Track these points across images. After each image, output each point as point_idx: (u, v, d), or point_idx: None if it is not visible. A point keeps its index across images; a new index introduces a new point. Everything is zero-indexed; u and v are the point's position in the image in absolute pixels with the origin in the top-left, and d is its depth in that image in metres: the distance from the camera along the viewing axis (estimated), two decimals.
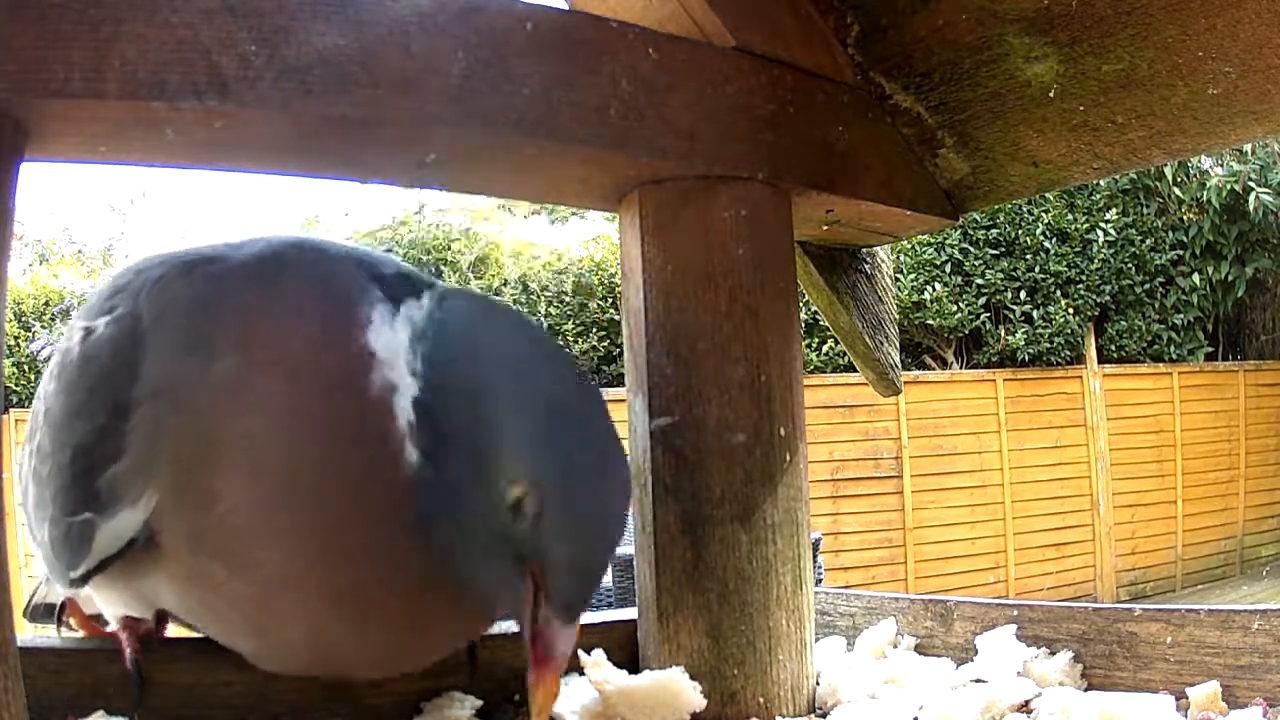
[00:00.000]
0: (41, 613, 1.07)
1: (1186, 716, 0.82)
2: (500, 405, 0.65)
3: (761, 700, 0.95)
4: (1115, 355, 8.30)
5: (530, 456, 0.64)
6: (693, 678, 0.90)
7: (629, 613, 1.02)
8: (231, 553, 0.69)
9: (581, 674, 0.92)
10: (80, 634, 0.92)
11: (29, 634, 0.82)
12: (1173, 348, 8.55)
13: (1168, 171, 8.21)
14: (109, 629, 0.83)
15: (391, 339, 0.69)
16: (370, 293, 0.72)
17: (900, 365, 1.33)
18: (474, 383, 0.66)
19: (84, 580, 0.76)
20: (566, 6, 1.09)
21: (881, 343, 1.28)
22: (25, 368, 6.61)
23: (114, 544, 0.71)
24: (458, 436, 0.65)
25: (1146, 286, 8.43)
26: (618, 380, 6.78)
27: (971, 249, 7.81)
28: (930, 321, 7.60)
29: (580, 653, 0.92)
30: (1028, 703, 0.88)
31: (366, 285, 0.73)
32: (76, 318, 0.77)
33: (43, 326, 6.80)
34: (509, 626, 0.94)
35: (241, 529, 0.68)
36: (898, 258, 7.36)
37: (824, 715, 0.95)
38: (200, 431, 0.68)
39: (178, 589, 0.74)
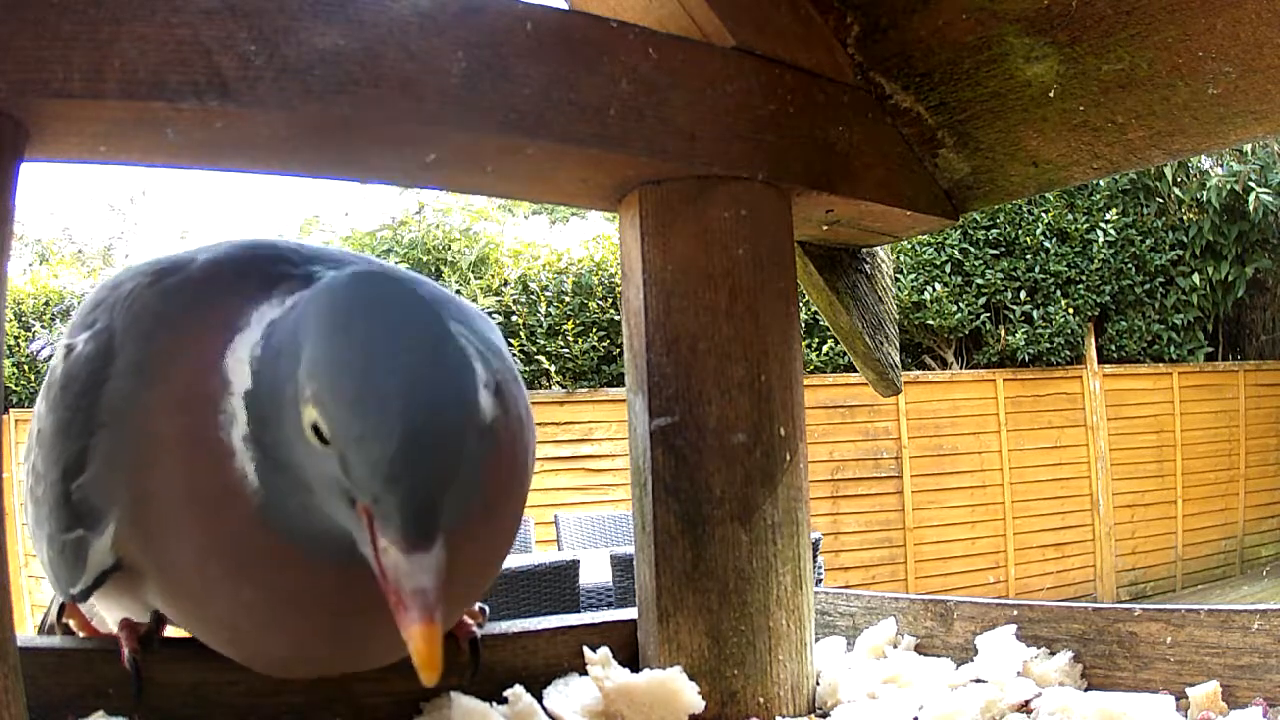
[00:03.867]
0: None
1: (1186, 716, 0.82)
2: (300, 352, 0.59)
3: (761, 700, 0.95)
4: (1115, 355, 8.30)
5: (305, 372, 0.57)
6: (693, 678, 0.90)
7: (629, 613, 1.02)
8: (187, 576, 0.69)
9: (584, 673, 0.93)
10: (80, 634, 0.92)
11: (29, 634, 0.82)
12: (1173, 348, 8.55)
13: (1168, 171, 8.21)
14: (109, 630, 0.83)
15: (247, 341, 0.66)
16: (253, 298, 0.68)
17: (900, 365, 1.33)
18: (289, 345, 0.61)
19: (85, 595, 0.77)
20: (566, 6, 1.09)
21: (881, 343, 1.28)
22: (25, 368, 6.61)
23: (107, 559, 0.72)
24: (277, 405, 0.60)
25: (1146, 286, 8.43)
26: (618, 380, 6.78)
27: (971, 249, 7.81)
28: (930, 321, 7.60)
29: (585, 650, 0.92)
30: (1028, 703, 0.88)
31: (255, 290, 0.69)
32: (62, 335, 0.78)
33: (43, 326, 6.80)
34: (508, 626, 0.94)
35: (179, 554, 0.68)
36: (898, 258, 7.36)
37: (824, 715, 0.95)
38: (137, 455, 0.68)
39: (166, 604, 0.74)
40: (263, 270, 0.73)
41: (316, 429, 0.57)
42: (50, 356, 6.56)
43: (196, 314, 0.70)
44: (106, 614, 0.82)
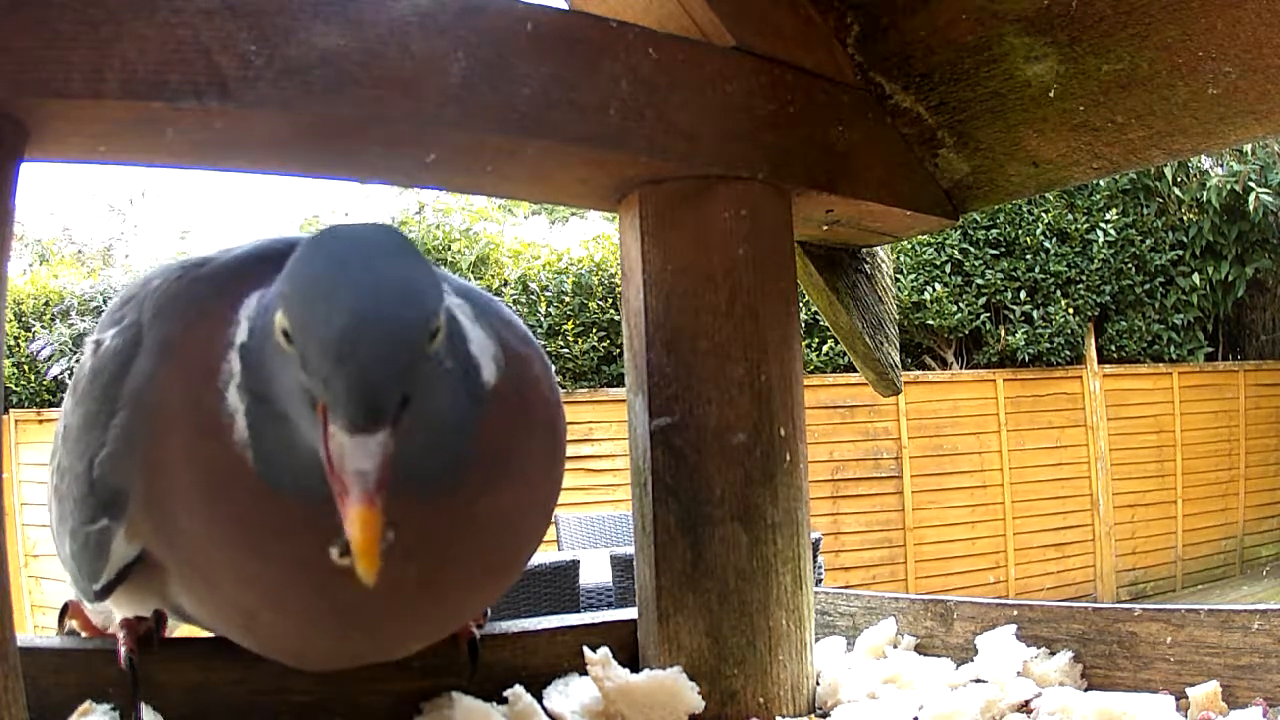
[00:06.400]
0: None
1: (1186, 716, 0.82)
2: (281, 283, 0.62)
3: (761, 700, 0.95)
4: (1115, 355, 8.30)
5: (277, 288, 0.61)
6: (693, 678, 0.90)
7: (629, 613, 1.02)
8: (196, 553, 0.69)
9: (584, 673, 0.93)
10: (81, 634, 0.92)
11: (29, 634, 0.82)
12: (1173, 348, 8.55)
13: (1168, 171, 8.21)
14: (109, 629, 0.83)
15: (249, 305, 0.67)
16: (266, 277, 0.68)
17: (900, 365, 1.33)
18: (275, 287, 0.63)
19: (107, 591, 0.76)
20: (566, 6, 1.09)
21: (881, 343, 1.28)
22: (25, 368, 6.61)
23: (129, 550, 0.72)
24: (262, 340, 0.63)
25: (1146, 286, 8.43)
26: (618, 380, 6.78)
27: (971, 249, 7.81)
28: (930, 321, 7.59)
29: (585, 650, 0.92)
30: (1028, 703, 0.88)
31: (270, 272, 0.68)
32: (91, 333, 0.78)
33: (43, 326, 6.80)
34: (508, 626, 0.94)
35: (187, 528, 0.68)
36: (898, 258, 7.36)
37: (824, 715, 0.95)
38: (149, 428, 0.68)
39: (184, 595, 0.74)
40: (283, 256, 0.73)
41: (285, 332, 0.59)
42: (50, 356, 6.57)
43: (215, 298, 0.71)
44: (121, 614, 0.82)
